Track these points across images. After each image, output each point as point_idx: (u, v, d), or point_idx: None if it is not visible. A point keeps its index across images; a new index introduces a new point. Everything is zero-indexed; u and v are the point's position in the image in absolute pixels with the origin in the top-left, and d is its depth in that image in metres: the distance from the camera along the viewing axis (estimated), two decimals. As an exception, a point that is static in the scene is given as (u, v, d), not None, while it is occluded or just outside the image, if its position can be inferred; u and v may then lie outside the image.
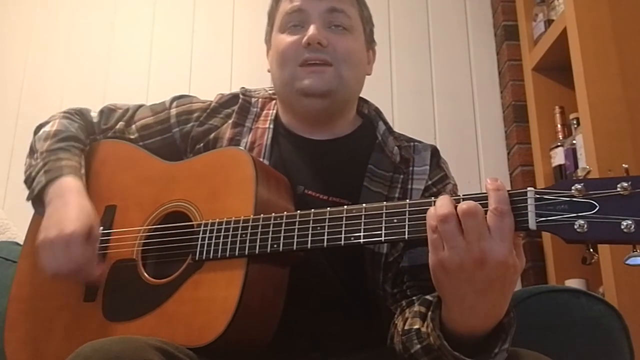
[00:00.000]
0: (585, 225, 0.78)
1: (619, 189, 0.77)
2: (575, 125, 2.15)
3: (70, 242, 1.06)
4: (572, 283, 2.08)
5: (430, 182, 1.18)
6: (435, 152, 1.23)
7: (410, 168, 1.18)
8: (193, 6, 2.71)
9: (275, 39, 1.23)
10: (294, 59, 1.17)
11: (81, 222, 1.07)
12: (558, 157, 2.24)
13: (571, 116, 2.19)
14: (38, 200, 1.18)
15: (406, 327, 0.99)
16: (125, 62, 2.63)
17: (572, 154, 2.16)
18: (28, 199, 1.20)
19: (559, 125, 2.28)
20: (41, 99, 2.55)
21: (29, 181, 1.21)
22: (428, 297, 0.99)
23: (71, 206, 1.10)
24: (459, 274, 0.82)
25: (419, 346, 0.95)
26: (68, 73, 2.60)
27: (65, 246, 1.06)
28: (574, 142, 2.15)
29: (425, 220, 0.85)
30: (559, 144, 2.25)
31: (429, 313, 0.92)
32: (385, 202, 0.92)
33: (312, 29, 1.17)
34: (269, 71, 1.28)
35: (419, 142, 1.25)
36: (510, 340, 0.89)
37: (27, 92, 2.58)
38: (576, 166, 2.12)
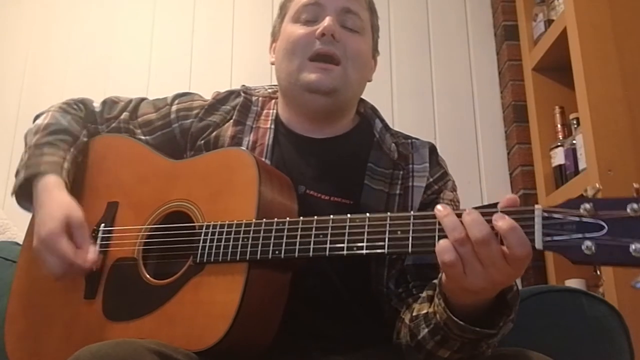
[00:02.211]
0: (593, 247, 0.76)
1: (628, 211, 0.75)
2: (575, 125, 2.15)
3: (49, 243, 1.06)
4: (572, 283, 2.07)
5: (431, 180, 1.19)
6: (433, 149, 1.24)
7: (410, 165, 1.19)
8: (193, 6, 2.71)
9: (286, 29, 1.23)
10: (304, 51, 1.18)
11: (56, 219, 1.07)
12: (558, 157, 2.24)
13: (571, 116, 2.19)
14: (21, 194, 1.18)
15: (414, 314, 1.00)
16: (125, 61, 2.63)
17: (572, 154, 2.16)
18: (12, 193, 1.20)
19: (559, 125, 2.28)
20: (41, 99, 2.54)
21: (16, 176, 1.20)
22: (435, 281, 0.99)
23: (45, 207, 1.10)
24: (473, 290, 0.84)
25: (426, 330, 0.95)
26: (68, 72, 2.60)
27: (47, 249, 1.06)
28: (574, 142, 2.15)
29: (428, 233, 0.85)
30: (559, 144, 2.25)
31: (436, 292, 0.93)
32: (389, 213, 0.91)
33: (327, 20, 1.17)
34: (272, 64, 1.28)
35: (416, 139, 1.26)
36: (515, 313, 0.90)
37: (27, 92, 2.58)
38: (576, 166, 2.12)
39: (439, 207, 0.85)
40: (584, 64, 2.00)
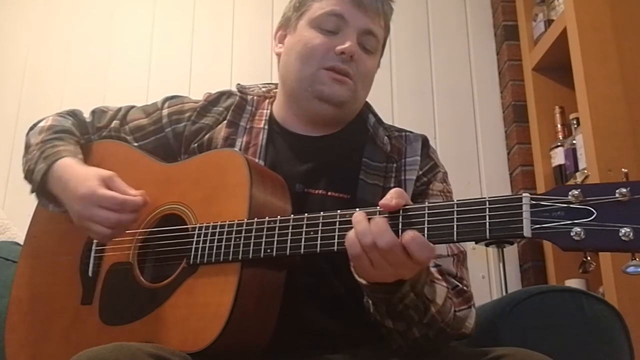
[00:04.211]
0: (582, 233, 0.76)
1: (617, 195, 0.75)
2: (575, 125, 2.15)
3: (93, 197, 1.05)
4: (572, 283, 2.07)
5: (421, 172, 1.19)
6: (425, 142, 1.25)
7: (403, 159, 1.20)
8: (193, 6, 2.71)
9: (304, 31, 1.21)
10: (321, 61, 1.17)
11: (90, 178, 1.08)
12: (558, 157, 2.24)
13: (571, 116, 2.19)
14: (42, 190, 1.18)
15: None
16: (125, 62, 2.63)
17: (572, 154, 2.16)
18: (32, 191, 1.20)
19: (559, 125, 2.28)
20: (41, 99, 2.55)
21: (29, 175, 1.20)
22: None
23: (73, 179, 1.10)
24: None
25: (370, 301, 1.01)
26: (68, 73, 2.60)
27: (93, 205, 1.05)
28: (574, 142, 2.15)
29: (418, 225, 0.87)
30: (559, 144, 2.25)
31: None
32: (378, 207, 0.91)
33: (350, 41, 1.17)
34: (277, 54, 1.27)
35: (410, 132, 1.27)
36: (421, 273, 0.95)
37: (27, 92, 2.58)
38: (576, 166, 2.12)
39: (356, 213, 0.90)
40: (584, 64, 2.00)
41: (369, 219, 0.88)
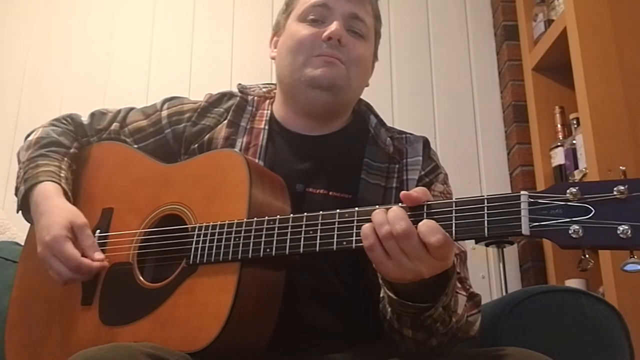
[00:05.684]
0: (581, 231, 0.76)
1: (615, 193, 0.76)
2: (575, 125, 2.15)
3: (55, 247, 1.06)
4: (572, 283, 2.07)
5: (423, 173, 1.20)
6: (426, 143, 1.26)
7: (405, 160, 1.21)
8: (193, 6, 2.71)
9: (292, 26, 1.24)
10: (310, 50, 1.19)
11: (58, 224, 1.08)
12: (558, 157, 2.24)
13: (571, 116, 2.19)
14: (26, 210, 1.19)
15: (381, 296, 1.02)
16: (125, 62, 2.63)
17: (572, 154, 2.16)
18: (17, 210, 1.21)
19: (559, 125, 2.28)
20: (41, 99, 2.55)
21: (16, 192, 1.22)
22: None
23: (47, 214, 1.11)
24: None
25: (389, 309, 0.98)
26: (68, 73, 2.60)
27: (52, 255, 1.07)
28: (574, 142, 2.15)
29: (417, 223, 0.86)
30: (559, 144, 2.25)
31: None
32: (377, 206, 0.91)
33: (335, 25, 1.18)
34: (272, 58, 1.28)
35: (411, 134, 1.28)
36: (454, 287, 0.94)
37: (27, 92, 2.58)
38: (576, 166, 2.12)
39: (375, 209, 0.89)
40: (584, 64, 2.00)
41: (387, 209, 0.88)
